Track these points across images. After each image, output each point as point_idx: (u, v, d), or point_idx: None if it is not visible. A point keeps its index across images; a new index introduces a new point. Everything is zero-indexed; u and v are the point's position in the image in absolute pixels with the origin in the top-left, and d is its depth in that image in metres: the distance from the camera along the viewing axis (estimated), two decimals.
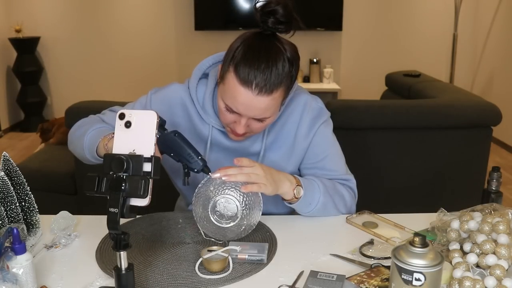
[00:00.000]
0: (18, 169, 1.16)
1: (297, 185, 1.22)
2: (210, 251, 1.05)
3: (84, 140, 1.24)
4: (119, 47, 5.46)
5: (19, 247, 0.91)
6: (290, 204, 1.25)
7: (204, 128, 1.31)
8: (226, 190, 1.13)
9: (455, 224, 1.05)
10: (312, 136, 1.31)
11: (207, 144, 1.31)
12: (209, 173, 1.10)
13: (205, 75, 1.33)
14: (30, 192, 1.17)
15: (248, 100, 1.11)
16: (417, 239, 0.80)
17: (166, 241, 1.16)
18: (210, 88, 1.28)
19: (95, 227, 1.23)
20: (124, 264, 0.85)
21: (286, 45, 1.17)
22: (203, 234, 1.18)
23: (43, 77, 5.53)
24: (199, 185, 1.16)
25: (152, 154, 0.84)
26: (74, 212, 1.25)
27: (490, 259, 0.92)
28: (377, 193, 2.38)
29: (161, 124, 1.01)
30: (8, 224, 1.08)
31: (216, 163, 1.23)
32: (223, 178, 1.11)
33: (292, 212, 1.36)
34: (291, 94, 1.25)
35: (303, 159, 1.34)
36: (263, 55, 1.11)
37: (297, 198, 1.22)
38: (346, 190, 1.34)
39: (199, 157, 1.07)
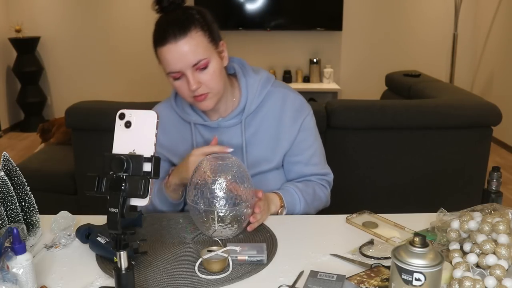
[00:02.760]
0: (18, 169, 1.16)
1: (281, 206, 1.33)
2: (210, 251, 1.05)
3: (156, 202, 1.37)
4: (119, 47, 5.46)
5: (19, 247, 0.91)
6: None
7: (186, 130, 1.39)
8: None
9: (455, 224, 1.05)
10: (298, 128, 1.38)
11: (192, 145, 1.38)
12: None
13: None
14: (30, 192, 1.17)
15: (173, 50, 1.20)
16: (417, 239, 0.80)
17: (166, 241, 1.16)
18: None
19: None
20: (124, 264, 0.85)
21: (191, 7, 1.28)
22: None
23: (43, 77, 5.53)
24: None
25: (152, 154, 0.84)
26: (74, 212, 1.25)
27: (490, 259, 0.92)
28: (377, 193, 2.38)
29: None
30: (8, 224, 1.08)
31: None
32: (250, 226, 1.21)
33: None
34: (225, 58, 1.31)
35: (288, 151, 1.40)
36: (168, 17, 1.24)
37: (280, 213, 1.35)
38: (323, 191, 1.44)
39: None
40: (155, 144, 0.85)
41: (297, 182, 1.41)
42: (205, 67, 1.23)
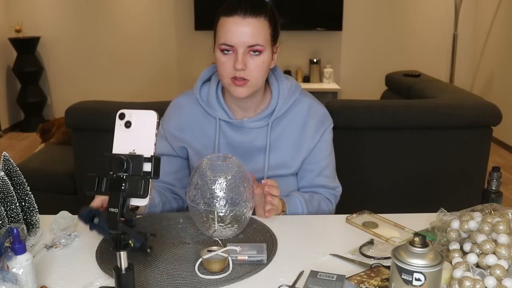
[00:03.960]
0: (18, 169, 1.16)
1: (283, 211, 1.33)
2: (210, 251, 1.05)
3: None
4: (119, 46, 5.46)
5: (19, 247, 0.91)
6: None
7: (210, 125, 1.39)
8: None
9: (455, 224, 1.05)
10: (318, 138, 1.40)
11: (215, 141, 1.37)
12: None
13: (207, 80, 1.44)
14: (30, 192, 1.17)
15: (238, 24, 1.23)
16: (417, 239, 0.80)
17: (166, 241, 1.16)
18: (214, 85, 1.39)
19: None
20: (124, 264, 0.85)
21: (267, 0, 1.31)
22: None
23: (43, 77, 5.53)
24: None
25: (152, 154, 0.84)
26: (74, 212, 1.25)
27: (490, 259, 0.92)
28: (377, 193, 2.38)
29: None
30: (8, 224, 1.08)
31: (226, 148, 1.37)
32: (265, 189, 1.22)
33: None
34: (277, 52, 1.34)
35: (305, 159, 1.41)
36: None
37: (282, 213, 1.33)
38: (327, 205, 1.43)
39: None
40: (155, 144, 0.85)
41: (304, 192, 1.42)
42: (258, 54, 1.26)
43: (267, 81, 1.40)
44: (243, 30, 1.23)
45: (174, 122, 1.42)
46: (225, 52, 1.26)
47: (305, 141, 1.39)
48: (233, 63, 1.25)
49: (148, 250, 1.02)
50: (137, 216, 1.26)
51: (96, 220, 1.04)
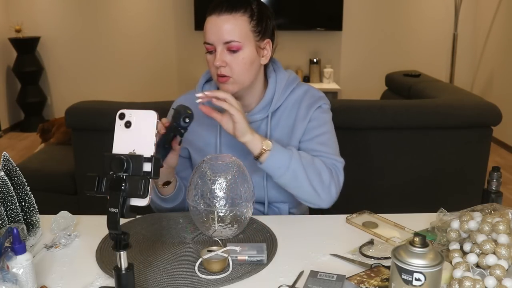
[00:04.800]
0: (18, 169, 1.16)
1: (266, 140, 1.24)
2: (210, 251, 1.05)
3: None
4: (119, 46, 5.46)
5: (19, 247, 0.91)
6: (261, 164, 1.24)
7: (213, 122, 1.36)
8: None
9: (455, 224, 1.05)
10: (309, 117, 1.37)
11: (216, 138, 1.39)
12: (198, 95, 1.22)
13: (210, 80, 1.45)
14: (30, 192, 1.17)
15: (213, 22, 1.25)
16: (417, 239, 0.80)
17: (166, 241, 1.16)
18: (214, 85, 1.40)
19: (95, 227, 1.23)
20: (124, 264, 0.85)
21: None
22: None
23: (43, 77, 5.53)
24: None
25: (152, 154, 0.84)
26: (74, 212, 1.25)
27: (490, 259, 0.92)
28: (377, 193, 2.38)
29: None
30: (8, 224, 1.08)
31: (227, 147, 1.37)
32: (206, 93, 1.21)
33: (293, 212, 1.37)
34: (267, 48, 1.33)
35: (300, 140, 1.38)
36: None
37: (265, 150, 1.22)
38: (327, 168, 1.30)
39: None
40: (155, 144, 0.85)
41: None
42: (235, 50, 1.26)
43: (265, 75, 1.40)
44: (218, 27, 1.25)
45: None
46: (209, 51, 1.29)
47: (298, 122, 1.37)
48: (214, 62, 1.27)
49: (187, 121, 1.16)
50: (166, 196, 1.34)
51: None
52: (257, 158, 1.24)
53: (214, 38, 1.25)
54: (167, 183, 1.31)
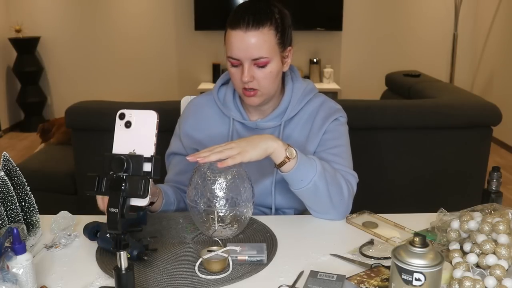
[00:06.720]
0: (18, 169, 1.16)
1: (289, 147, 1.17)
2: (210, 251, 1.05)
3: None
4: (119, 46, 5.46)
5: (19, 247, 0.91)
6: (283, 172, 1.19)
7: (224, 125, 1.39)
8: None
9: (455, 224, 1.05)
10: (324, 129, 1.36)
11: (228, 139, 1.37)
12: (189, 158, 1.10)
13: (226, 82, 1.44)
14: (30, 192, 1.17)
15: (240, 38, 1.22)
16: (417, 239, 0.80)
17: (166, 241, 1.16)
18: (231, 87, 1.40)
19: None
20: (124, 264, 0.85)
21: (276, 5, 1.30)
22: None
23: (43, 77, 5.53)
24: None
25: (152, 154, 0.84)
26: (74, 212, 1.25)
27: (490, 259, 0.92)
28: (377, 193, 2.38)
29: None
30: (8, 224, 1.08)
31: None
32: (198, 160, 1.09)
33: (294, 212, 1.37)
34: (290, 56, 1.36)
35: (314, 153, 1.35)
36: (250, 3, 1.27)
37: (288, 159, 1.16)
38: (345, 183, 1.26)
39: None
40: (155, 144, 0.85)
41: None
42: (263, 66, 1.25)
43: (282, 82, 1.39)
44: (245, 43, 1.22)
45: (191, 122, 1.42)
46: (234, 65, 1.27)
47: (312, 135, 1.36)
48: (240, 76, 1.26)
49: (145, 258, 1.03)
50: (155, 211, 1.29)
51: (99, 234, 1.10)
52: (279, 166, 1.17)
53: (241, 54, 1.23)
54: (151, 204, 1.25)
